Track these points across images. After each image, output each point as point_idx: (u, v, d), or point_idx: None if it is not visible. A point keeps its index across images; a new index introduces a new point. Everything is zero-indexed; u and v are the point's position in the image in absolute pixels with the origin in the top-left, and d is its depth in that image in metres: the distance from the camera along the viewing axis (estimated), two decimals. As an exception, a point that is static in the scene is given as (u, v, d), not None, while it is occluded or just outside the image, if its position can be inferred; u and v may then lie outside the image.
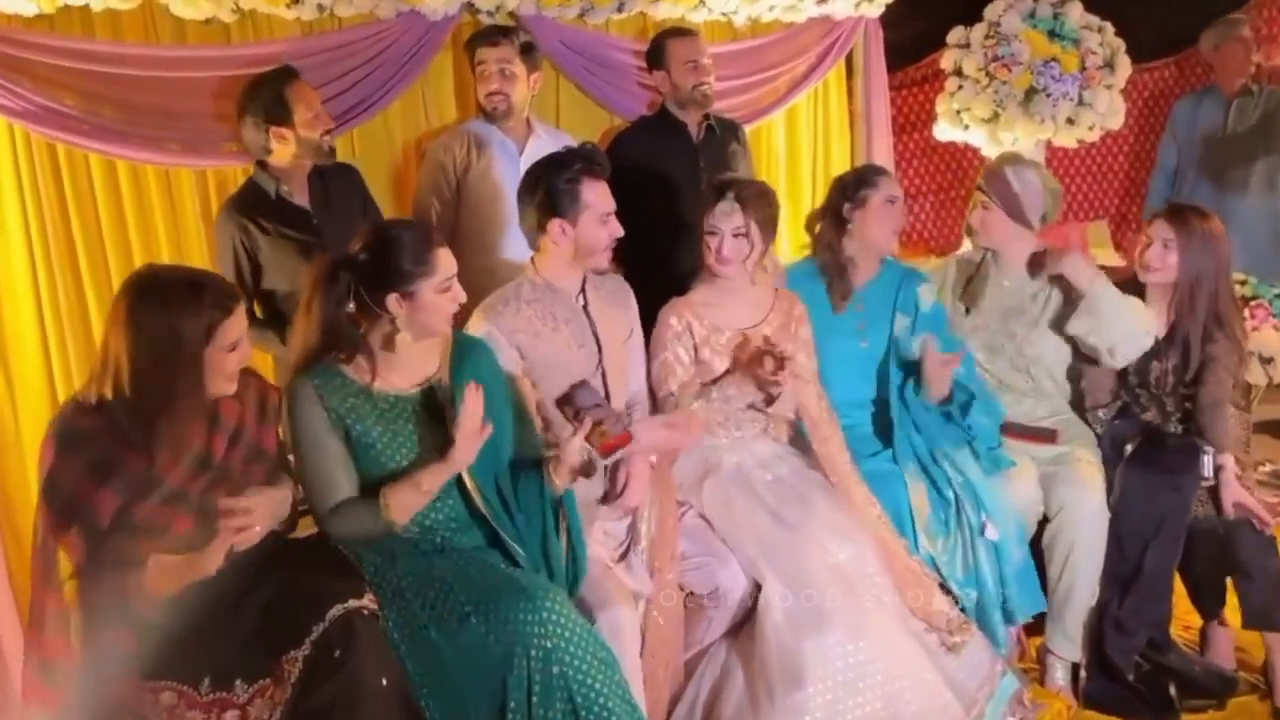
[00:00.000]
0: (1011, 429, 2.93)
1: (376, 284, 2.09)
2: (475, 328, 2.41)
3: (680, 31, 3.45)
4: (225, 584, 1.96)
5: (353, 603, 1.93)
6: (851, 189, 2.86)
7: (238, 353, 2.01)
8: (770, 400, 2.58)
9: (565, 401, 2.23)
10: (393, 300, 2.10)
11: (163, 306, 1.91)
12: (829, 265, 2.88)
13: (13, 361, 2.88)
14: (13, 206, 2.84)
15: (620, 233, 2.44)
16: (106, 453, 1.91)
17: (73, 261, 2.94)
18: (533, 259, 2.50)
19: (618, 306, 2.61)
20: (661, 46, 3.41)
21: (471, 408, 2.06)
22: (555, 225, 2.38)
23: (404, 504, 2.10)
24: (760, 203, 2.60)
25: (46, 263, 2.90)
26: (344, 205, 2.98)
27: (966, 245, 3.20)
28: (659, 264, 2.95)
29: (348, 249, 2.13)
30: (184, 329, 1.91)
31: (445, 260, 2.14)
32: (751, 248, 2.59)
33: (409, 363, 2.19)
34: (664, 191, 3.28)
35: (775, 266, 2.77)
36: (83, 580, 1.92)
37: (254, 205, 2.87)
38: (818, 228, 2.92)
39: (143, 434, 1.92)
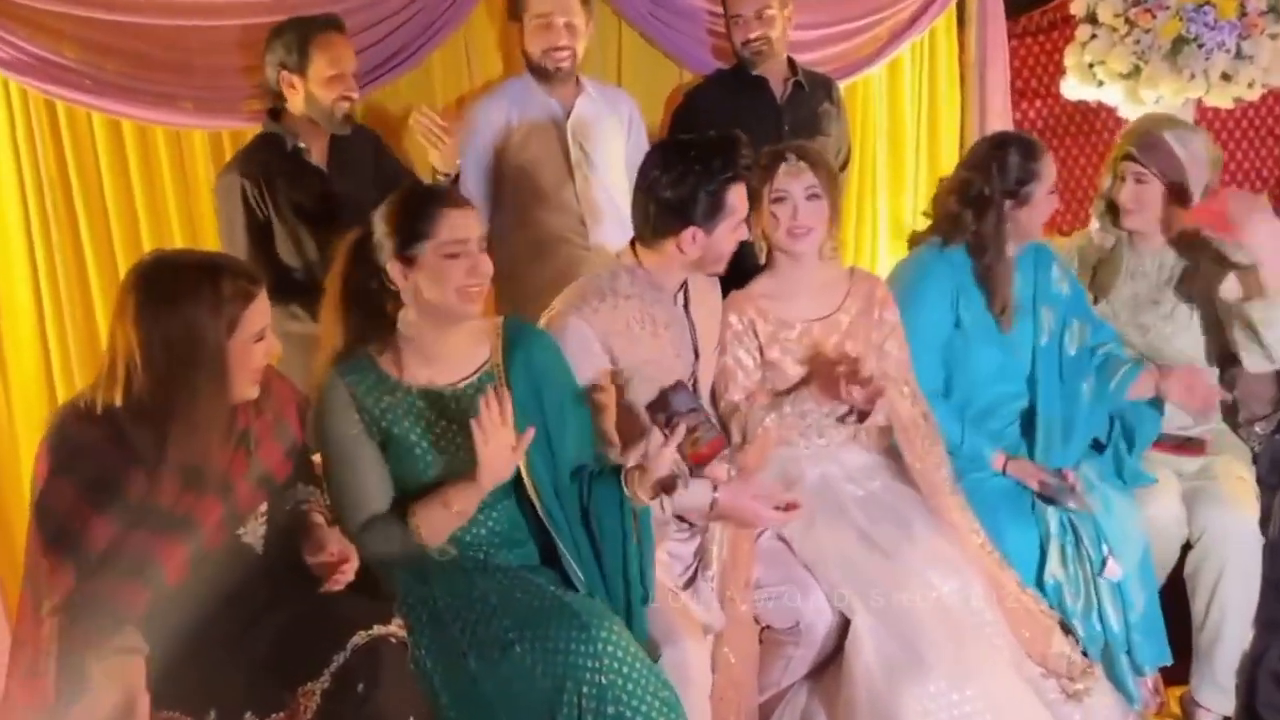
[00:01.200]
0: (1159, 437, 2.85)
1: (382, 253, 2.07)
2: (559, 323, 2.34)
3: None
4: (236, 603, 1.97)
5: (378, 629, 1.92)
6: (1013, 178, 2.70)
7: (264, 344, 1.98)
8: (863, 417, 2.51)
9: (658, 407, 2.13)
10: (395, 269, 2.06)
11: (175, 298, 1.87)
12: (988, 273, 2.73)
13: (8, 346, 2.96)
14: (8, 171, 2.91)
15: (745, 234, 2.40)
16: (107, 471, 1.89)
17: (74, 234, 3.01)
18: (634, 244, 2.42)
19: (712, 310, 2.57)
20: None
21: (489, 418, 1.97)
22: (689, 233, 2.32)
23: (434, 525, 2.07)
24: (829, 170, 2.55)
25: (45, 235, 2.98)
26: (362, 170, 2.99)
27: (1094, 225, 3.08)
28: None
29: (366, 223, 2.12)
30: (202, 323, 1.88)
31: (449, 222, 2.06)
32: (827, 218, 2.54)
33: (444, 354, 2.16)
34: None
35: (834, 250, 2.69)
36: (64, 617, 1.86)
37: (264, 161, 2.89)
38: (963, 214, 2.74)
39: (155, 447, 1.89)
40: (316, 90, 2.86)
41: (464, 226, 2.08)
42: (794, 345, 2.59)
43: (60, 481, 1.88)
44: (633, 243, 2.43)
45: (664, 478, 2.10)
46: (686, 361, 2.45)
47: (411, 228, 2.05)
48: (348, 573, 1.98)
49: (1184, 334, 2.88)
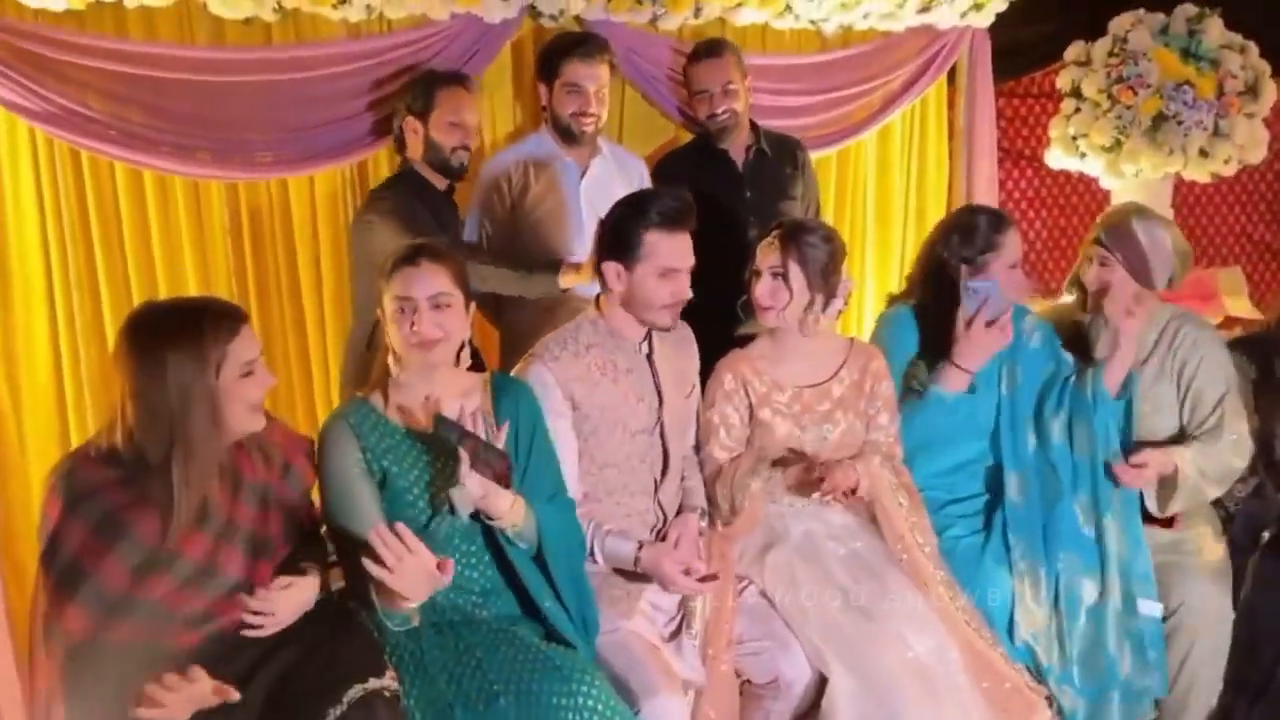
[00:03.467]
0: None
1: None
2: (526, 370, 2.43)
3: (696, 53, 3.39)
4: (233, 653, 1.98)
5: (373, 683, 1.93)
6: (976, 247, 2.74)
7: (256, 378, 1.99)
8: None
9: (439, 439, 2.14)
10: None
11: (160, 345, 1.90)
12: (934, 336, 2.77)
13: (22, 380, 2.99)
14: (31, 216, 2.95)
15: (686, 295, 2.43)
16: (117, 510, 1.90)
17: (91, 277, 3.05)
18: (598, 299, 2.52)
19: (683, 358, 2.62)
20: (684, 69, 3.44)
21: (392, 552, 1.92)
22: (610, 268, 2.41)
23: (417, 593, 2.02)
24: (810, 247, 2.54)
25: (64, 278, 3.01)
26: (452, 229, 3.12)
27: (1067, 298, 3.12)
28: (704, 300, 2.92)
29: None
30: (187, 366, 1.90)
31: (406, 278, 2.14)
32: (791, 295, 2.56)
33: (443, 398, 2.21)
34: (706, 222, 3.22)
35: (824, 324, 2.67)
36: (75, 663, 1.87)
37: (416, 192, 3.00)
38: (921, 290, 2.83)
39: (164, 490, 1.91)
40: (437, 135, 2.99)
41: (413, 285, 2.15)
42: (784, 408, 2.62)
43: (70, 518, 1.89)
44: (597, 299, 2.51)
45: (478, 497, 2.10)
46: (650, 406, 2.50)
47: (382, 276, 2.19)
48: (260, 625, 1.99)
49: (1160, 413, 2.85)
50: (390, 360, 2.21)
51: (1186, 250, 2.92)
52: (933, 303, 2.78)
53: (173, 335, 1.91)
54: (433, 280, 2.15)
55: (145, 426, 1.90)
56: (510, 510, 2.13)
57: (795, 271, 2.54)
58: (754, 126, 3.50)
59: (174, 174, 3.07)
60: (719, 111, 3.36)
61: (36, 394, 3.00)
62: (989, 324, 2.65)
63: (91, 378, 3.02)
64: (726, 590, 2.49)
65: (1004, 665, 2.47)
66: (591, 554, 2.39)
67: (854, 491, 2.48)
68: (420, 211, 2.94)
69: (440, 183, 3.09)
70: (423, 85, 3.04)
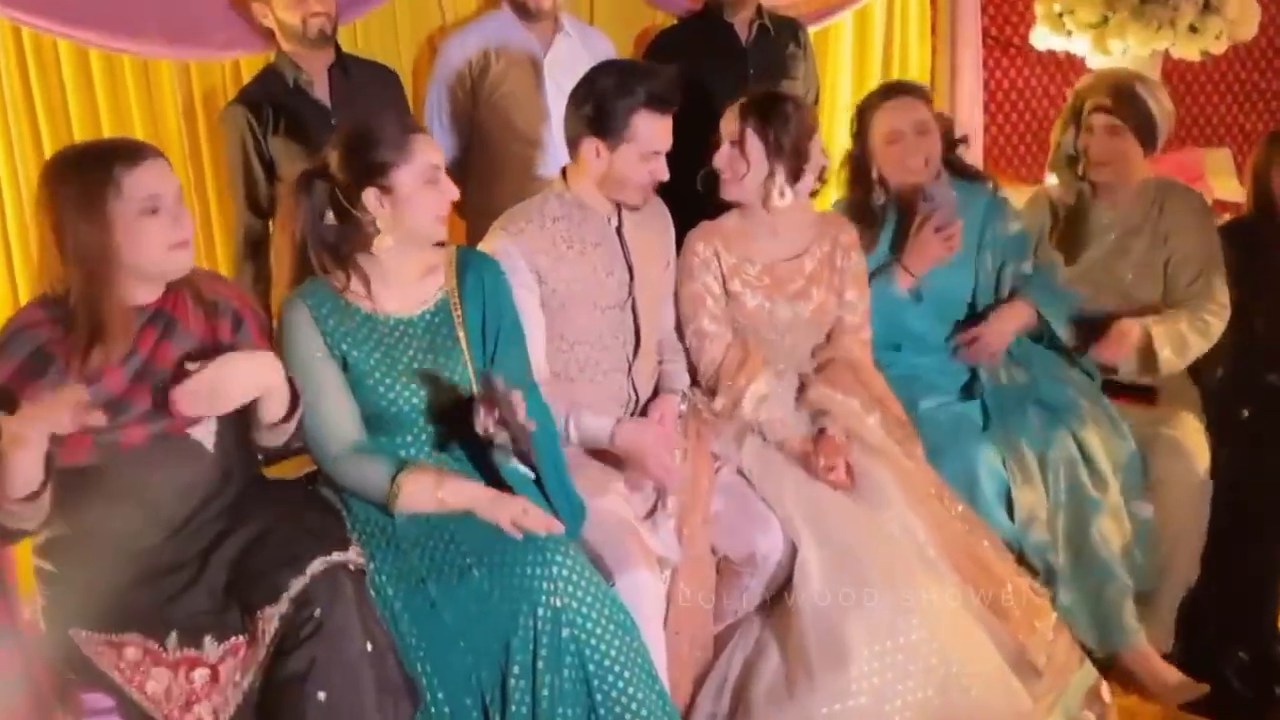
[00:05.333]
0: (1102, 385, 2.85)
1: (353, 182, 2.07)
2: (490, 244, 2.38)
3: None
4: (194, 528, 1.96)
5: (337, 556, 1.91)
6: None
7: (163, 217, 1.88)
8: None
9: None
10: (370, 196, 2.06)
11: (58, 176, 1.86)
12: (853, 207, 2.81)
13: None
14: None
15: (664, 176, 2.38)
16: (47, 345, 1.87)
17: (39, 165, 2.92)
18: (564, 170, 2.46)
19: (656, 232, 2.57)
20: None
21: (531, 519, 2.01)
22: (591, 144, 2.34)
23: (417, 505, 2.05)
24: (770, 114, 2.50)
25: (10, 168, 2.92)
26: (374, 110, 2.93)
27: (1050, 180, 3.08)
28: (692, 185, 2.88)
29: (324, 154, 2.12)
30: (81, 191, 1.83)
31: (426, 146, 2.10)
32: (749, 165, 2.51)
33: (405, 281, 2.16)
34: (708, 102, 3.19)
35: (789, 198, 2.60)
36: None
37: (266, 95, 2.88)
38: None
39: (77, 329, 1.87)
40: (282, 14, 2.85)
41: (432, 151, 2.12)
42: (754, 281, 2.59)
43: (4, 358, 1.86)
44: (564, 170, 2.46)
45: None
46: (620, 280, 2.46)
47: (387, 159, 2.05)
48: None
49: (1156, 280, 2.88)
50: (378, 241, 2.10)
51: (1173, 111, 2.93)
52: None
53: (68, 172, 1.86)
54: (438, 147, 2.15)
55: (52, 269, 1.87)
56: None
57: (753, 141, 2.50)
58: (757, 5, 3.42)
59: (122, 53, 2.98)
60: None
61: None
62: (938, 230, 2.65)
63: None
64: (703, 468, 2.47)
65: (1003, 569, 2.45)
66: (565, 434, 2.35)
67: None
68: (269, 105, 2.86)
69: (314, 62, 2.93)
70: None
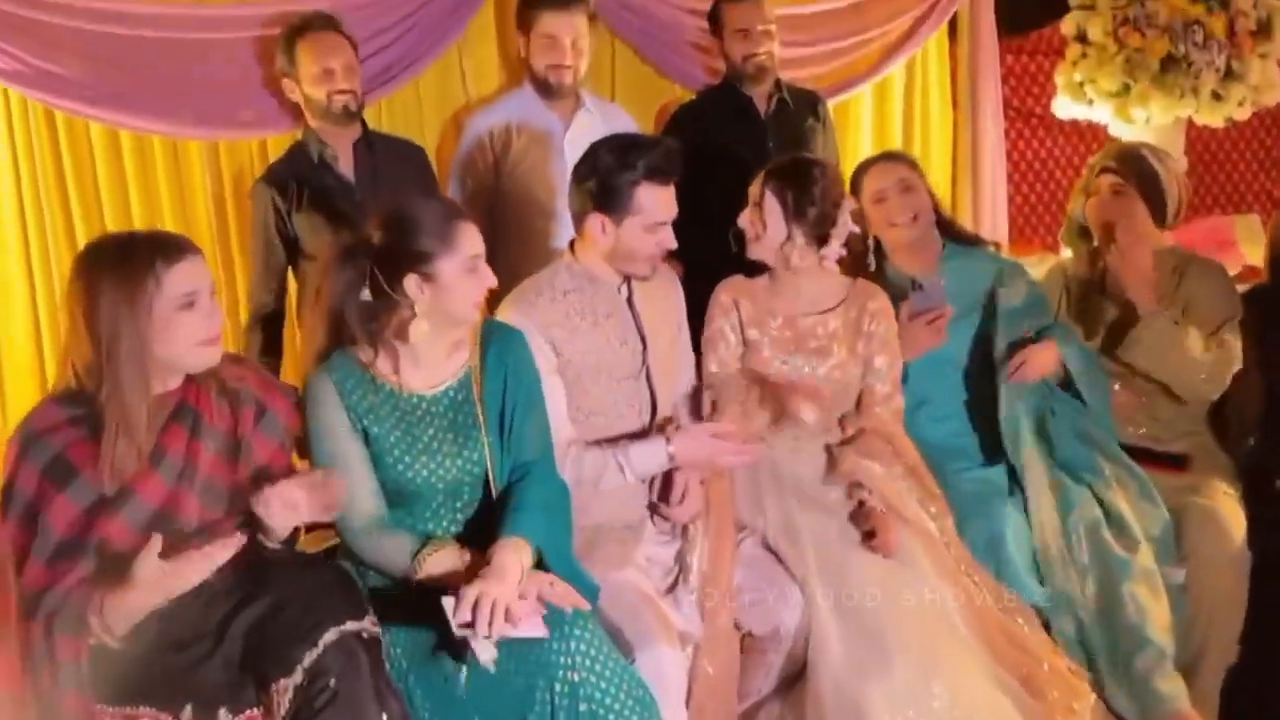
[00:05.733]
0: (1132, 454, 2.81)
1: (394, 266, 2.07)
2: (502, 318, 2.39)
3: None
4: (209, 599, 1.94)
5: (351, 624, 1.90)
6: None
7: (198, 312, 1.91)
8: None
9: None
10: (411, 282, 2.07)
11: (95, 268, 1.88)
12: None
13: (2, 349, 2.97)
14: (6, 181, 2.93)
15: (671, 245, 2.40)
16: (66, 450, 1.87)
17: (70, 242, 3.02)
18: (572, 244, 2.49)
19: (666, 298, 2.58)
20: (716, 11, 3.41)
21: (557, 594, 1.99)
22: (596, 220, 2.36)
23: (440, 576, 2.03)
24: (790, 179, 2.53)
25: (42, 246, 3.00)
26: (399, 186, 3.01)
27: (1065, 253, 3.08)
28: (722, 251, 2.90)
29: (363, 230, 2.13)
30: (119, 285, 1.85)
31: (470, 236, 2.12)
32: (766, 227, 2.54)
33: (433, 359, 2.17)
34: (728, 174, 3.23)
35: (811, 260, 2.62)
36: (30, 606, 1.83)
37: (292, 172, 2.94)
38: None
39: (102, 426, 1.87)
40: (309, 89, 2.92)
41: (476, 241, 2.13)
42: (775, 333, 2.60)
43: (25, 460, 1.86)
44: (571, 244, 2.48)
45: None
46: (634, 350, 2.46)
47: (431, 248, 2.06)
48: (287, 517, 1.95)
49: (1203, 355, 2.80)
50: (414, 325, 2.10)
51: (1186, 183, 2.92)
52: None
53: (107, 263, 1.88)
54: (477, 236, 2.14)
55: (82, 357, 1.88)
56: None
57: (771, 203, 2.54)
58: (775, 79, 3.47)
59: (152, 134, 3.05)
60: (759, 51, 3.35)
61: (16, 363, 2.99)
62: (929, 322, 2.67)
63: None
64: (725, 537, 2.44)
65: (1039, 647, 2.40)
66: (620, 475, 2.36)
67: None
68: (294, 182, 2.92)
69: (340, 139, 3.00)
70: (284, 44, 2.93)
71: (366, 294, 2.09)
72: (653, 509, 2.51)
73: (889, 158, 2.92)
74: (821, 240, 2.57)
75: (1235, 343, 2.78)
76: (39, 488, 1.86)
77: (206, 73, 3.04)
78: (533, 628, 1.92)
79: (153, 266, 1.87)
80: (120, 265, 1.87)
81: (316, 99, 2.92)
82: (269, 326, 3.01)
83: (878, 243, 2.82)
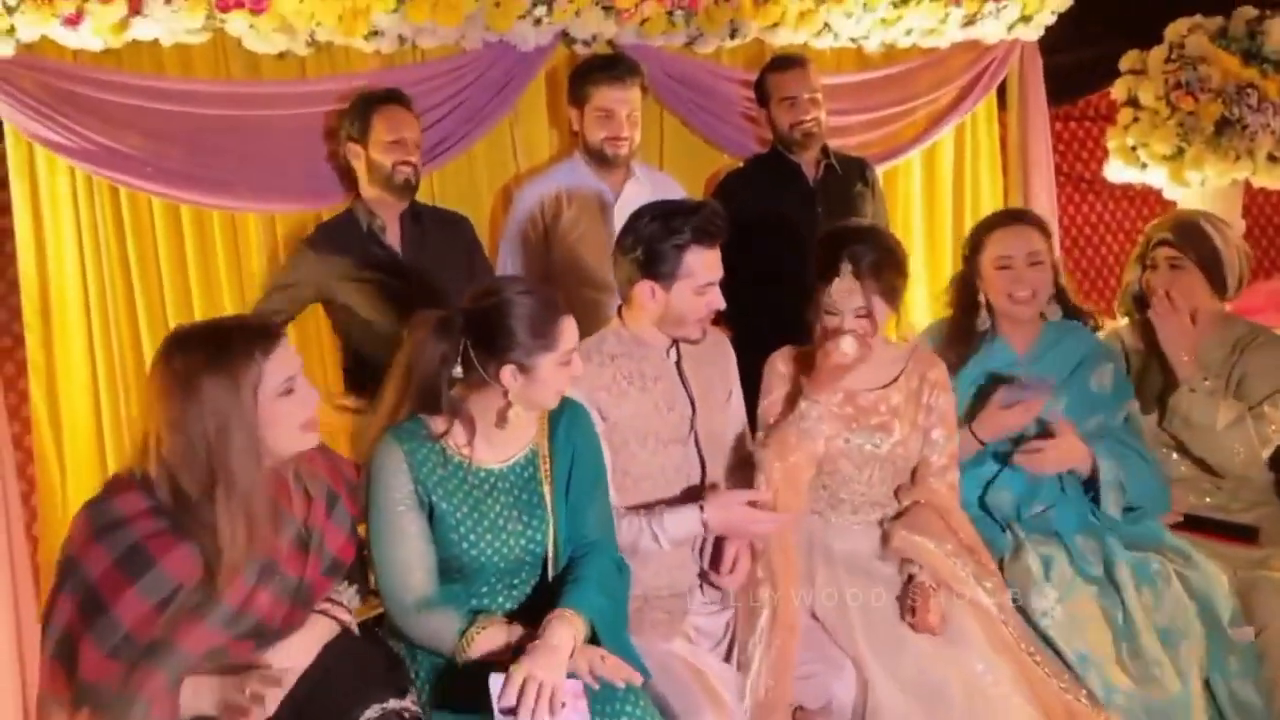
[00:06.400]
0: (1199, 524, 2.76)
1: (492, 350, 2.06)
2: None
3: (781, 63, 3.45)
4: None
5: (393, 703, 1.90)
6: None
7: (297, 397, 1.90)
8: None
9: None
10: (508, 372, 2.06)
11: (191, 363, 1.82)
12: (951, 329, 2.80)
13: (64, 418, 3.02)
14: (70, 252, 3.00)
15: (720, 305, 2.40)
16: (144, 541, 1.81)
17: (130, 312, 3.09)
18: (620, 310, 2.51)
19: (716, 365, 2.58)
20: (762, 80, 3.47)
21: (609, 669, 1.96)
22: (645, 287, 2.37)
23: (489, 652, 2.01)
24: (884, 269, 2.47)
25: (103, 314, 3.05)
26: (445, 256, 3.10)
27: (1122, 323, 3.03)
28: (771, 319, 2.91)
29: (463, 305, 2.12)
30: (219, 382, 1.81)
31: (569, 331, 2.11)
32: (876, 328, 2.50)
33: (507, 437, 2.17)
34: (778, 239, 3.26)
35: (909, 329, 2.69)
36: (89, 695, 1.78)
37: (339, 239, 3.03)
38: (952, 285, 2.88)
39: (194, 524, 1.83)
40: (376, 155, 3.01)
41: (573, 336, 2.13)
42: (835, 410, 2.53)
43: (96, 548, 1.80)
44: (619, 310, 2.49)
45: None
46: (682, 415, 2.46)
47: (534, 341, 2.07)
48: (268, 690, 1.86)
49: (1241, 427, 2.74)
50: (510, 410, 2.12)
51: (1248, 252, 2.87)
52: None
53: (206, 357, 1.83)
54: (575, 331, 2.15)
55: (182, 455, 1.81)
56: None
57: (879, 304, 2.48)
58: (823, 145, 3.51)
59: (212, 208, 3.13)
60: (806, 119, 3.40)
61: (77, 432, 3.03)
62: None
63: (130, 414, 3.04)
64: (785, 610, 2.38)
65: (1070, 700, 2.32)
66: (654, 543, 2.35)
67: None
68: (340, 251, 3.01)
69: (388, 210, 3.08)
70: (359, 108, 3.04)
71: (459, 370, 2.09)
72: (702, 577, 2.49)
73: (1022, 220, 2.80)
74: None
75: (1277, 415, 2.72)
76: (109, 575, 1.79)
77: (264, 148, 3.12)
78: (577, 714, 1.90)
79: (253, 356, 1.85)
80: (220, 356, 1.83)
81: (382, 167, 3.01)
82: None
83: (989, 304, 2.77)
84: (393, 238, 3.07)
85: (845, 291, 2.47)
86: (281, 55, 3.11)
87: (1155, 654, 2.43)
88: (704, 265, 2.35)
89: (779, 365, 2.63)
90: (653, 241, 2.34)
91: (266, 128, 3.12)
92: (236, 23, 2.91)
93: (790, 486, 2.47)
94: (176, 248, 3.14)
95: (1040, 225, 2.79)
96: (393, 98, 3.06)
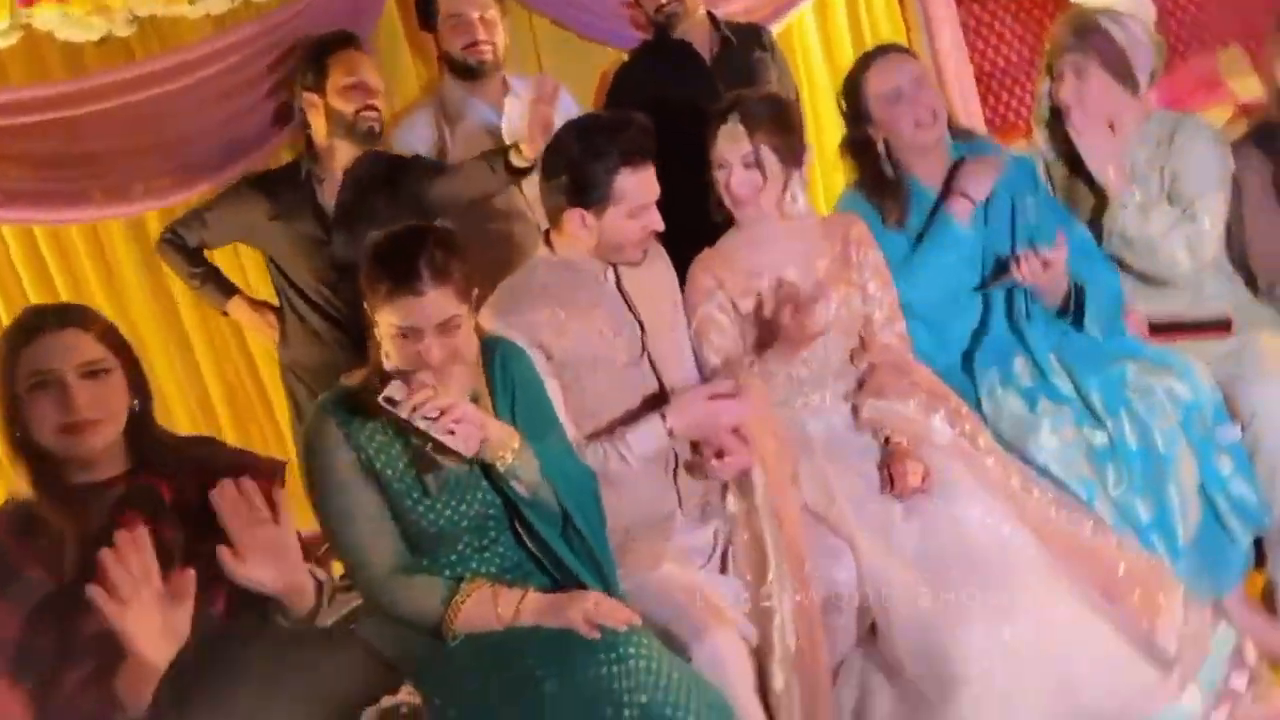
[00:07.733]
0: (1171, 327, 2.77)
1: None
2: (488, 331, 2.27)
3: None
4: (237, 682, 1.84)
5: (387, 700, 1.89)
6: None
7: (54, 391, 1.78)
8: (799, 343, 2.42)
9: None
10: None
11: None
12: (868, 185, 2.75)
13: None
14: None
15: (659, 226, 2.33)
16: (9, 558, 1.79)
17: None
18: (547, 234, 2.41)
19: (657, 277, 2.50)
20: None
21: (605, 612, 1.94)
22: (575, 214, 2.29)
23: (476, 626, 1.98)
24: (774, 122, 2.47)
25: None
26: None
27: (1038, 136, 2.97)
28: (687, 213, 2.81)
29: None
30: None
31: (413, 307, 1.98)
32: (766, 179, 2.47)
33: (444, 389, 2.01)
34: (683, 127, 3.12)
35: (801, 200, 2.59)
36: None
37: (277, 180, 2.99)
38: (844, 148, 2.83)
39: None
40: (336, 103, 2.91)
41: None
42: (769, 295, 2.52)
43: None
44: (546, 235, 2.41)
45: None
46: (630, 337, 2.39)
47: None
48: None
49: (1173, 235, 2.70)
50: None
51: (1160, 41, 2.82)
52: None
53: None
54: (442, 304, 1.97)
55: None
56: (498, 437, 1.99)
57: (767, 155, 2.45)
58: (711, 17, 3.38)
59: (69, 223, 3.01)
60: (664, 0, 3.25)
61: None
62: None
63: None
64: (785, 500, 2.35)
65: (1111, 550, 2.35)
66: (622, 464, 2.28)
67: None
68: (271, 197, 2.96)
69: (335, 162, 2.99)
70: (311, 55, 2.96)
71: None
72: (690, 467, 2.43)
73: (890, 50, 2.79)
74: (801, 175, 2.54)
75: (1216, 209, 2.70)
76: None
77: (109, 146, 2.96)
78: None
79: (20, 339, 1.82)
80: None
81: (344, 115, 2.92)
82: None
83: (888, 147, 2.72)
84: (330, 192, 2.97)
85: (730, 137, 2.46)
86: (103, 41, 2.91)
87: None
88: (637, 187, 2.27)
89: (700, 278, 2.56)
90: (579, 165, 2.26)
91: (106, 123, 2.91)
92: (45, 15, 2.74)
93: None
94: (40, 275, 3.05)
95: (908, 50, 2.83)
96: (346, 39, 2.97)
